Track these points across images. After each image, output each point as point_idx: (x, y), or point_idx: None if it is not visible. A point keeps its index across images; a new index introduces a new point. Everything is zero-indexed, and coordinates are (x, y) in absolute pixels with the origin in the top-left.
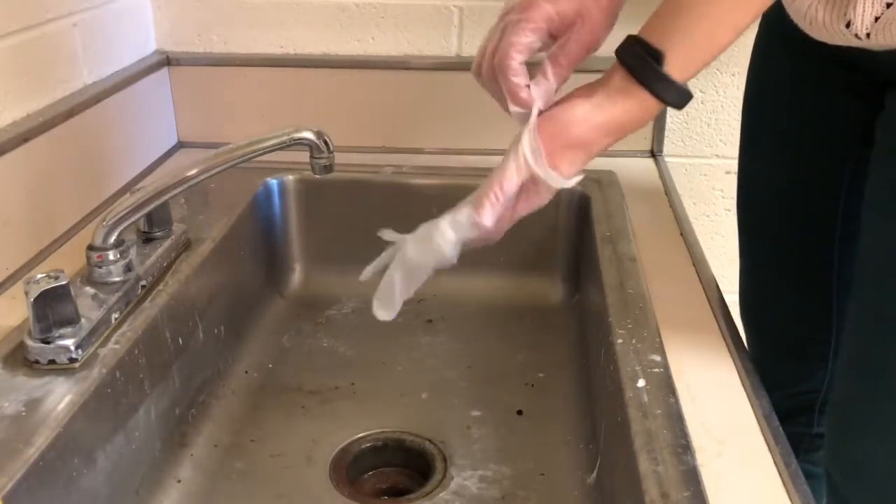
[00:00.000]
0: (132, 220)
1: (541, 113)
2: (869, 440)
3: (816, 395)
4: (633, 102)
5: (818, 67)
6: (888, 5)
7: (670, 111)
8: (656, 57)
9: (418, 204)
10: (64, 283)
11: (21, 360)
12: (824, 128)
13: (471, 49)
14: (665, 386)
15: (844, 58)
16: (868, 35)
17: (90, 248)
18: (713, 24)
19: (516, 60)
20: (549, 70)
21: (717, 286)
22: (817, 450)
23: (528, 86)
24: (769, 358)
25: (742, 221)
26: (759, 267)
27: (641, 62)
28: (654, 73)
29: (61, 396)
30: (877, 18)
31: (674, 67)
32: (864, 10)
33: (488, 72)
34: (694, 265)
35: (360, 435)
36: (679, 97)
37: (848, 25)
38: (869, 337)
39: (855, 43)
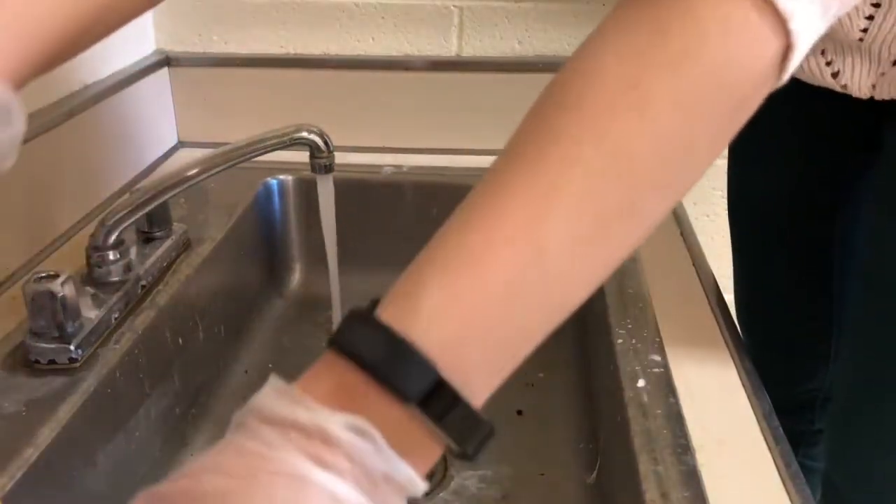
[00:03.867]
0: (132, 220)
1: None
2: (876, 449)
3: (817, 393)
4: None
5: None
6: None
7: None
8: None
9: (418, 204)
10: (64, 283)
11: (21, 360)
12: (824, 132)
13: (471, 49)
14: (665, 386)
15: None
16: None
17: (90, 248)
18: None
19: None
20: None
21: (717, 286)
22: (817, 445)
23: None
24: (768, 357)
25: (736, 219)
26: (756, 266)
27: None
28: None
29: (61, 396)
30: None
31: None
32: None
33: None
34: (694, 265)
35: None
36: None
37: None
38: (871, 343)
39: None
